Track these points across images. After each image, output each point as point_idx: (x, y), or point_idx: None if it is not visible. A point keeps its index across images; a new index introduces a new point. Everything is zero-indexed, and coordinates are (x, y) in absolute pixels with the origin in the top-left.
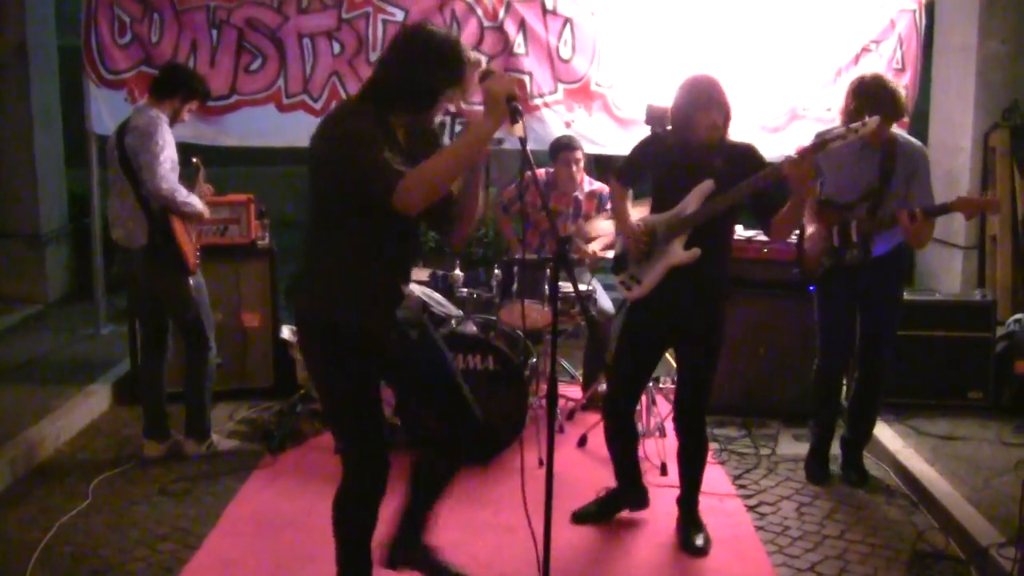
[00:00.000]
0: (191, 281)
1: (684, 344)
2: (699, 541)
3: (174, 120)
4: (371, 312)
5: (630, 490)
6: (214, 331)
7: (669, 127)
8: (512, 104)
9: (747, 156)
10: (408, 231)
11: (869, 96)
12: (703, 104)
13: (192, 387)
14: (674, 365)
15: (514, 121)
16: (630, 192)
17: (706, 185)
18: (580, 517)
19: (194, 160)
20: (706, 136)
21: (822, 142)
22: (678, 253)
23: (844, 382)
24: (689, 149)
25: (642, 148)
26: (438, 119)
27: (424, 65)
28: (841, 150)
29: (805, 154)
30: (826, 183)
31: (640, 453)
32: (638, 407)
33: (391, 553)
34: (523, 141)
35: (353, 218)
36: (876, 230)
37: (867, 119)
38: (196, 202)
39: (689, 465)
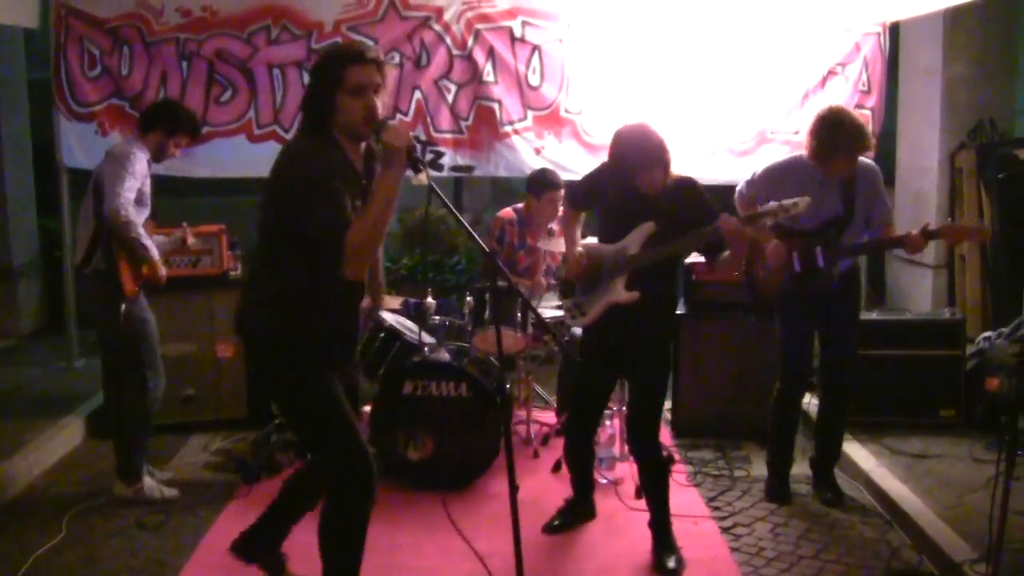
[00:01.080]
0: (125, 307)
1: (632, 373)
2: (671, 563)
3: (160, 155)
4: (323, 330)
5: (583, 502)
6: (157, 369)
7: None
8: (412, 155)
9: (690, 194)
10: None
11: (831, 134)
12: (642, 165)
13: (115, 424)
14: None
15: (416, 171)
16: (582, 216)
17: (647, 227)
18: (551, 529)
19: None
20: (648, 191)
21: (754, 215)
22: (619, 292)
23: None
24: (634, 188)
25: (595, 177)
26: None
27: (312, 78)
28: (800, 181)
29: (743, 224)
30: None
31: (615, 476)
32: (612, 432)
33: (247, 546)
34: (430, 188)
35: (302, 255)
36: (848, 254)
37: (798, 201)
38: (147, 240)
39: (651, 484)
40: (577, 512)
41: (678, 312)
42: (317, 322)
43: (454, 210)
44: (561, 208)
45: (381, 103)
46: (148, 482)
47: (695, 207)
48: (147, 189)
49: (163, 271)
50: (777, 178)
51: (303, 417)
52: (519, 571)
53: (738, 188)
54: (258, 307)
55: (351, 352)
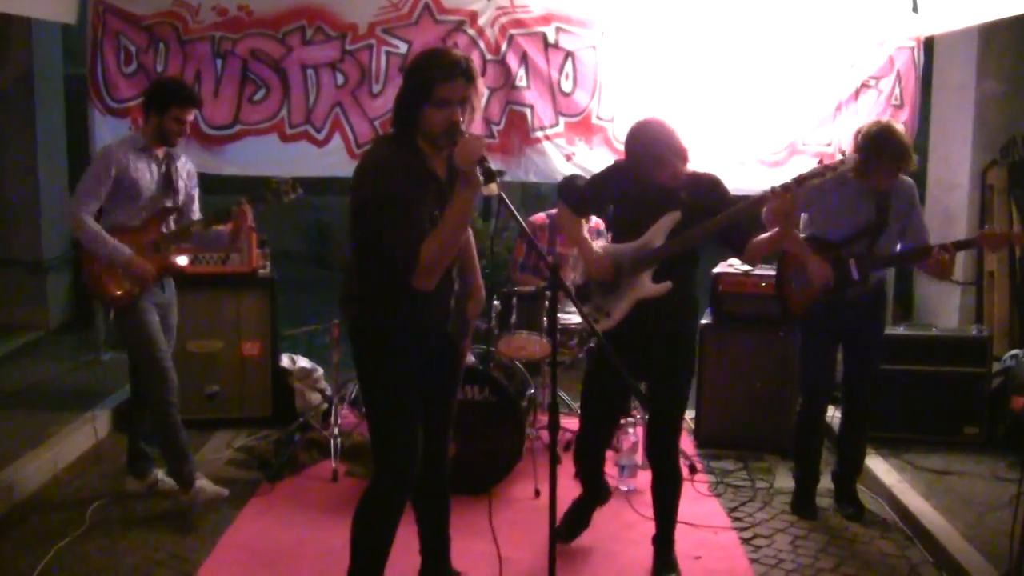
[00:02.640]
0: (115, 313)
1: (654, 375)
2: None
3: (166, 136)
4: (418, 316)
5: (594, 496)
6: (156, 375)
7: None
8: (484, 166)
9: (712, 188)
10: None
11: (877, 150)
12: (660, 158)
13: (128, 417)
14: None
15: (488, 182)
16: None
17: (672, 216)
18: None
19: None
20: (669, 183)
21: (801, 178)
22: (648, 286)
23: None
24: (652, 184)
25: (604, 180)
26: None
27: (403, 86)
28: (841, 190)
29: (788, 188)
30: (813, 221)
31: (635, 484)
32: (635, 439)
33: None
34: (500, 199)
35: (382, 260)
36: (884, 265)
37: (845, 155)
38: (99, 237)
39: (662, 498)
40: (588, 511)
41: (704, 322)
42: (400, 320)
43: (519, 218)
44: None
45: (469, 116)
46: (204, 485)
47: (718, 195)
48: (143, 182)
49: (139, 268)
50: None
51: (371, 408)
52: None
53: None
54: (348, 301)
55: (447, 344)
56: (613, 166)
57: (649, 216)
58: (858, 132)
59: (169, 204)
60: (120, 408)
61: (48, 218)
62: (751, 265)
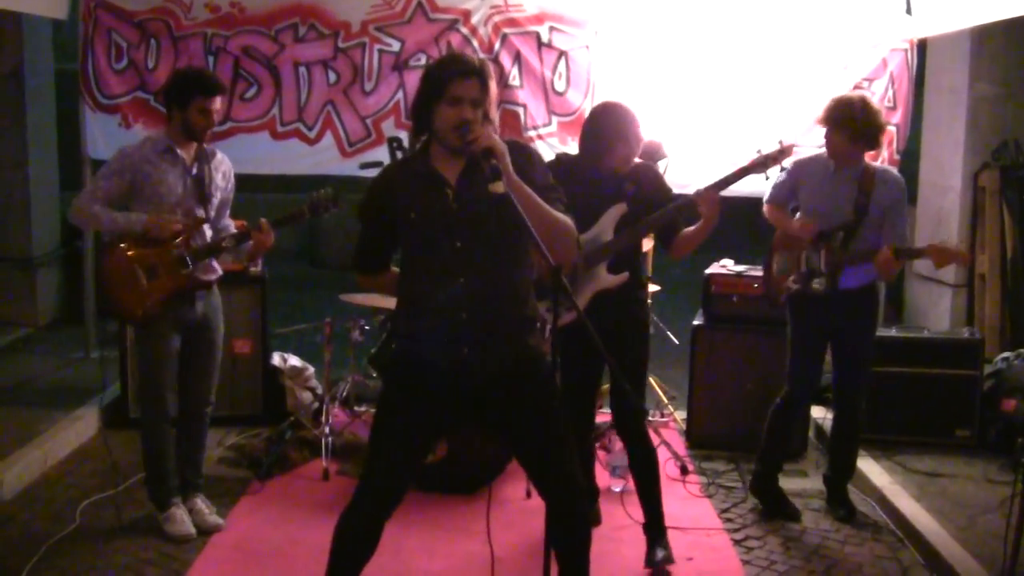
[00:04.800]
0: (136, 331)
1: (615, 353)
2: (659, 555)
3: (195, 129)
4: (423, 340)
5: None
6: (149, 403)
7: (638, 160)
8: (491, 164)
9: (654, 180)
10: (459, 259)
11: (842, 112)
12: (621, 135)
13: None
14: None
15: (494, 180)
16: None
17: (619, 208)
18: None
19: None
20: (620, 166)
21: (730, 176)
22: (606, 278)
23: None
24: (600, 174)
25: (553, 167)
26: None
27: (420, 84)
28: (820, 176)
29: (716, 188)
30: (804, 207)
31: (627, 485)
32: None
33: None
34: (507, 197)
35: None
36: (848, 262)
37: (781, 143)
38: (115, 218)
39: (641, 475)
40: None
41: (696, 323)
42: (419, 323)
43: (524, 218)
44: None
45: (481, 116)
46: (174, 513)
47: (658, 187)
48: (165, 187)
49: (160, 228)
50: (798, 172)
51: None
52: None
53: (765, 208)
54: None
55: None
56: (556, 158)
57: (594, 208)
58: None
59: (200, 214)
60: (111, 406)
61: (38, 214)
62: (677, 258)
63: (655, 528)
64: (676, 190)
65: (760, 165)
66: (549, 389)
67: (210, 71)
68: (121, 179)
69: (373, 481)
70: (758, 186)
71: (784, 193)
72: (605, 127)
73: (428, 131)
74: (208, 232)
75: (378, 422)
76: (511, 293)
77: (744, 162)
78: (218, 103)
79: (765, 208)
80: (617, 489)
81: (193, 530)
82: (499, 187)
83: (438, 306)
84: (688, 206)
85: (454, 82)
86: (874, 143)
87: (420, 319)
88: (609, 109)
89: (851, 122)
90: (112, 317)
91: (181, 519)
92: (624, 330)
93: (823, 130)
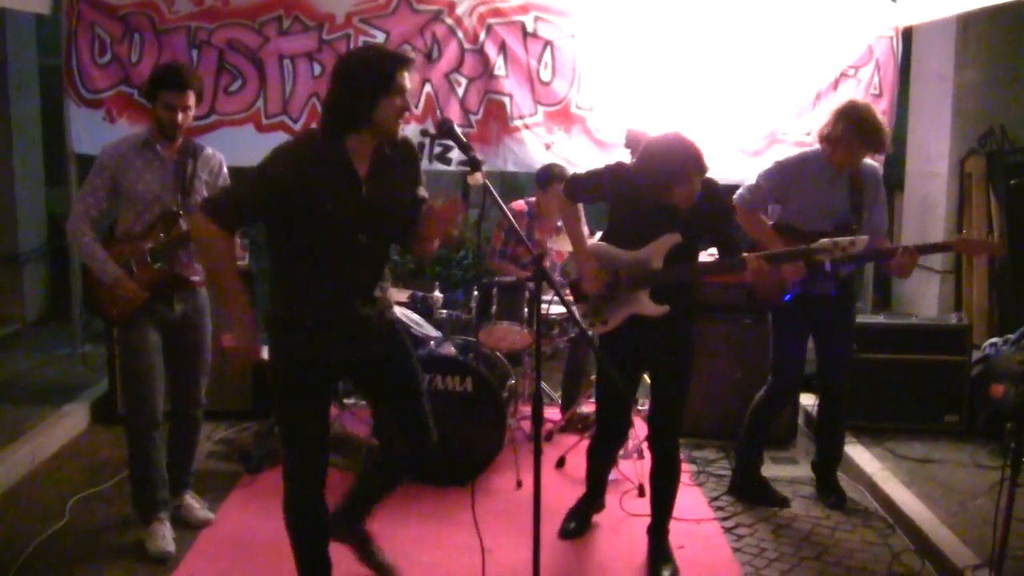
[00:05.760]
0: (118, 332)
1: (655, 369)
2: (666, 573)
3: (165, 127)
4: (310, 315)
5: (596, 498)
6: (135, 404)
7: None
8: (470, 155)
9: (710, 198)
10: (340, 243)
11: (858, 123)
12: (685, 175)
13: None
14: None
15: (474, 171)
16: (581, 210)
17: (672, 238)
18: (567, 533)
19: None
20: (683, 204)
21: (782, 254)
22: (646, 304)
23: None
24: (660, 199)
25: (610, 177)
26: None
27: (352, 79)
28: (811, 178)
29: (770, 261)
30: (790, 208)
31: (617, 475)
32: None
33: (331, 525)
34: (485, 188)
35: (277, 233)
36: (860, 260)
37: (855, 240)
38: (96, 259)
39: (661, 487)
40: (589, 511)
41: None
42: (303, 298)
43: (507, 209)
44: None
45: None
46: (155, 528)
47: (716, 209)
48: (143, 183)
49: (122, 290)
50: (789, 173)
51: (277, 410)
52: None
53: (739, 194)
54: (271, 290)
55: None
56: (620, 166)
57: (648, 228)
58: (834, 112)
59: (175, 208)
60: (99, 402)
61: (24, 210)
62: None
63: (659, 539)
64: None
65: (803, 253)
66: (407, 349)
67: (183, 65)
68: (105, 180)
69: (303, 464)
70: (747, 174)
71: (766, 198)
72: (665, 167)
73: (364, 124)
74: (183, 223)
75: (288, 409)
76: (385, 280)
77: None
78: (190, 99)
79: (745, 213)
80: (610, 477)
81: (172, 548)
82: (478, 178)
83: (332, 297)
84: (732, 268)
85: (400, 73)
86: (885, 149)
87: (311, 307)
88: (665, 148)
89: (879, 137)
90: (93, 314)
91: (163, 535)
92: (670, 362)
93: (810, 118)
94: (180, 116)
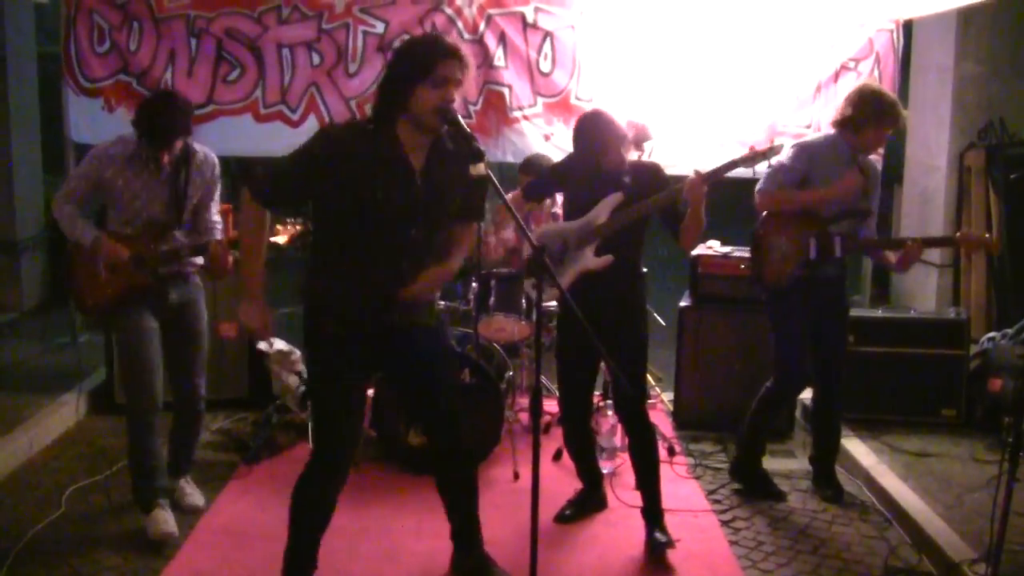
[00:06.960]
0: (115, 318)
1: (609, 335)
2: (659, 539)
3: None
4: (346, 299)
5: (593, 493)
6: (134, 389)
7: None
8: (473, 146)
9: (653, 175)
10: (388, 230)
11: (879, 100)
12: (606, 144)
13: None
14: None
15: (476, 161)
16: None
17: (615, 197)
18: (562, 518)
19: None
20: (614, 167)
21: (719, 168)
22: (590, 259)
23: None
24: (599, 170)
25: (555, 171)
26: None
27: (396, 63)
28: (833, 160)
29: (705, 179)
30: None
31: (614, 466)
32: (613, 422)
33: (452, 565)
34: (488, 179)
35: (322, 216)
36: (868, 249)
37: (774, 144)
38: (76, 224)
39: (638, 452)
40: (588, 503)
41: (683, 304)
42: (342, 282)
43: (509, 203)
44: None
45: (458, 99)
46: (156, 514)
47: (659, 180)
48: (130, 193)
49: (106, 251)
50: (813, 154)
51: (311, 390)
52: (532, 561)
53: (761, 185)
54: (307, 272)
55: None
56: (565, 159)
57: (595, 198)
58: (848, 98)
59: (166, 220)
60: (96, 391)
61: (22, 198)
62: (688, 249)
63: (653, 512)
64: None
65: (750, 160)
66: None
67: (167, 115)
68: (88, 181)
69: (329, 440)
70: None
71: (795, 177)
72: (591, 137)
73: (401, 111)
74: (177, 234)
75: (320, 394)
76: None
77: (729, 145)
78: (176, 147)
79: (771, 194)
80: (605, 471)
81: (175, 529)
82: (480, 169)
83: (375, 285)
84: (671, 200)
85: (442, 63)
86: (899, 123)
87: (351, 293)
88: (589, 122)
89: (897, 110)
90: (80, 312)
91: (164, 519)
92: (621, 316)
93: (810, 111)
94: (166, 158)
